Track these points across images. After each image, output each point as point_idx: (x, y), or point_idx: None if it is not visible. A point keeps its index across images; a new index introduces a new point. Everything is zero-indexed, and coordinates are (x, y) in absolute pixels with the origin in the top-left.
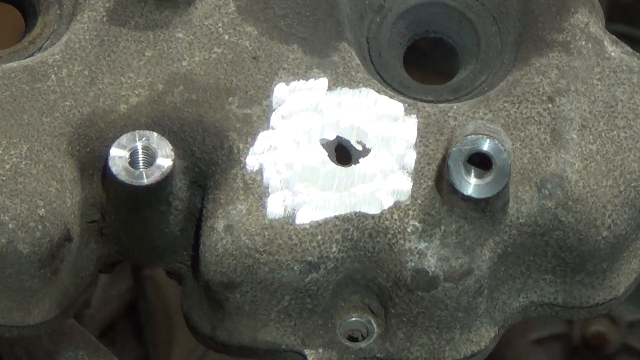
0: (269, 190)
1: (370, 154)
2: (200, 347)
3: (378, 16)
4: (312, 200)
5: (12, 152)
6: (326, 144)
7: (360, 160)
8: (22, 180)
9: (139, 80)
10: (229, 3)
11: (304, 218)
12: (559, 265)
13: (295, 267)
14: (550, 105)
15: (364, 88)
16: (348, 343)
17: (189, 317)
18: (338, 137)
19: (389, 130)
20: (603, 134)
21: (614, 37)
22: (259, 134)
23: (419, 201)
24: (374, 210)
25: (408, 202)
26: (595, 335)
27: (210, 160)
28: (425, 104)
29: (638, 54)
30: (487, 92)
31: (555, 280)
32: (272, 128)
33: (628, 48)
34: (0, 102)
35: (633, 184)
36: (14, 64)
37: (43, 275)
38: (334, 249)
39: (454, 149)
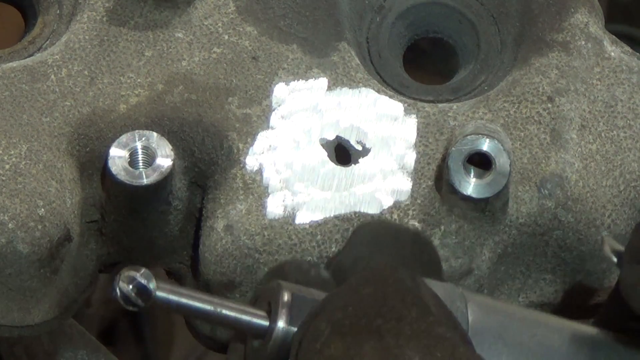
0: (269, 190)
1: (370, 154)
2: (200, 347)
3: (378, 16)
4: (312, 200)
5: (12, 152)
6: (326, 144)
7: (360, 160)
8: (22, 180)
9: (139, 80)
10: (228, 3)
11: (303, 218)
12: (559, 265)
13: None
14: (550, 105)
15: (363, 88)
16: None
17: None
18: (338, 137)
19: (389, 130)
20: (603, 134)
21: (614, 37)
22: (259, 134)
23: (419, 201)
24: (373, 210)
25: (408, 202)
26: None
27: (210, 160)
28: (425, 104)
29: (638, 54)
30: (487, 92)
31: (555, 280)
32: (272, 128)
33: (628, 48)
34: (0, 102)
35: (633, 184)
36: (14, 64)
37: (43, 275)
38: (333, 249)
39: (453, 148)
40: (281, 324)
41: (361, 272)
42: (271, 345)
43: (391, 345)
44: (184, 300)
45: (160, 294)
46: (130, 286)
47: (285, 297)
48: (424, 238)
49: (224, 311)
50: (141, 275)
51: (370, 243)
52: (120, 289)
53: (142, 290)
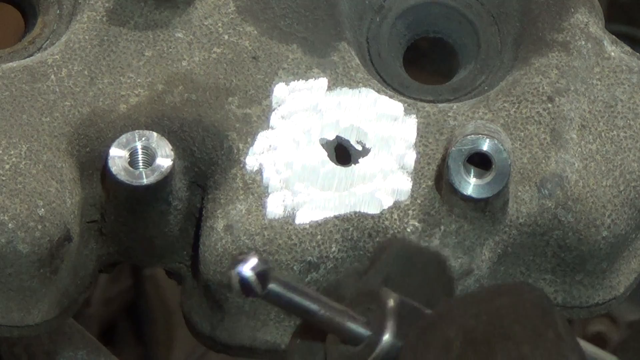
0: (269, 190)
1: (370, 154)
2: (200, 347)
3: (378, 16)
4: (312, 200)
5: (12, 152)
6: (326, 144)
7: (360, 160)
8: (22, 180)
9: (139, 80)
10: (228, 3)
11: (303, 218)
12: (559, 265)
13: (295, 267)
14: (550, 105)
15: (363, 88)
16: None
17: (189, 317)
18: (338, 137)
19: (389, 130)
20: (603, 134)
21: (614, 37)
22: (259, 134)
23: (419, 201)
24: (373, 210)
25: (408, 202)
26: (595, 335)
27: (210, 160)
28: (425, 104)
29: (638, 54)
30: (487, 92)
31: (555, 280)
32: (272, 128)
33: (628, 48)
34: (0, 102)
35: (633, 184)
36: (14, 64)
37: (43, 275)
38: (333, 249)
39: (453, 148)
40: (388, 336)
41: (490, 285)
42: (374, 357)
43: (528, 356)
44: (294, 296)
45: (274, 285)
46: (251, 272)
47: (392, 304)
48: (443, 258)
49: (328, 313)
50: (260, 263)
51: (398, 263)
52: (240, 273)
53: (261, 278)
